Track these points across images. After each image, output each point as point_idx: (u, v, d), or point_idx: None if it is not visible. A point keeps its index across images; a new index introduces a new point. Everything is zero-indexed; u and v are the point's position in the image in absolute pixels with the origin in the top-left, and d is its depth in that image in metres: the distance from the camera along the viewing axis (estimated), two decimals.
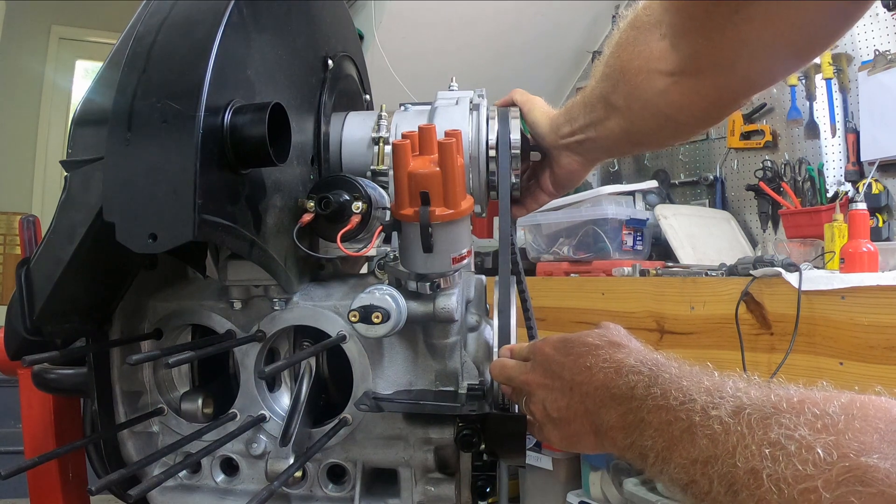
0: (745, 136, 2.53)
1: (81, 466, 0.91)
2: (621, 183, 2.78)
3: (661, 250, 2.28)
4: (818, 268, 1.78)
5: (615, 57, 0.79)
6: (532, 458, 2.06)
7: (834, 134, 2.30)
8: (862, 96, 2.21)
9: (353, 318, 0.67)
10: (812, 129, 2.36)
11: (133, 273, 0.75)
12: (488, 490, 0.76)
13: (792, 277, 1.47)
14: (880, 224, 2.11)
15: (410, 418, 0.74)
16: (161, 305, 0.78)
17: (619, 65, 0.78)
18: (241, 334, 0.75)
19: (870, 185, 2.12)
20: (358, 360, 0.74)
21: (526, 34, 2.86)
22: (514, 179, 0.84)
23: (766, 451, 0.41)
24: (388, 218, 0.73)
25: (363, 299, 0.67)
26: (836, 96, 2.29)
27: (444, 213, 0.62)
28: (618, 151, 0.91)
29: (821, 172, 2.30)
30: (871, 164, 2.17)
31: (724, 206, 2.61)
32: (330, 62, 0.84)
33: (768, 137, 2.46)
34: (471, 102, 0.85)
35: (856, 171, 2.21)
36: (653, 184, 2.52)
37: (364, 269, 0.87)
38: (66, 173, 0.64)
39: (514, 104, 0.92)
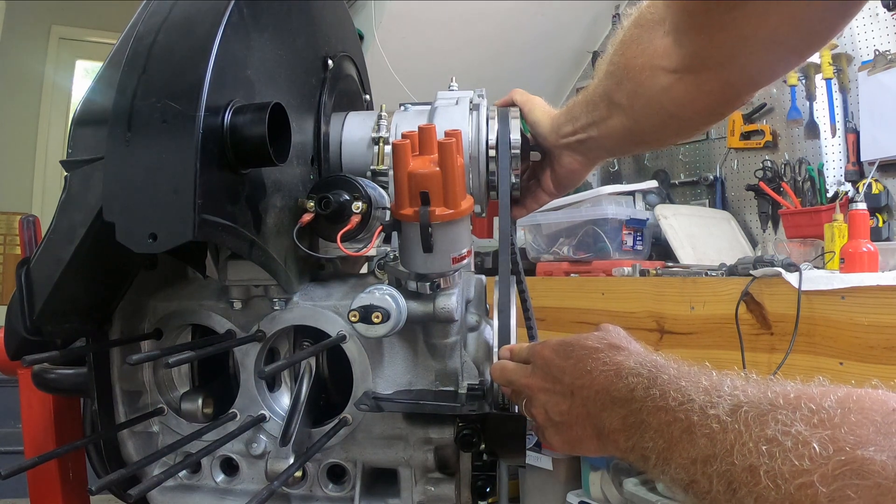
0: (745, 136, 2.53)
1: (81, 466, 0.91)
2: (621, 183, 2.78)
3: (661, 250, 2.28)
4: (818, 268, 1.78)
5: (619, 55, 0.79)
6: (532, 458, 2.06)
7: (834, 134, 2.30)
8: (862, 96, 2.21)
9: (353, 318, 0.67)
10: (812, 129, 2.36)
11: (133, 273, 0.75)
12: (488, 490, 0.76)
13: (792, 277, 1.47)
14: (880, 224, 2.11)
15: (410, 418, 0.74)
16: (161, 305, 0.78)
17: (623, 62, 0.78)
18: (241, 334, 0.75)
19: (870, 185, 2.12)
20: (358, 360, 0.74)
21: (526, 34, 2.86)
22: (514, 179, 0.84)
23: (763, 447, 0.42)
24: (388, 218, 0.73)
25: (363, 299, 0.67)
26: (836, 96, 2.29)
27: (444, 213, 0.62)
28: (620, 150, 0.91)
29: (821, 172, 2.31)
30: (871, 164, 2.17)
31: (724, 206, 2.61)
32: (330, 62, 0.84)
33: (768, 137, 2.46)
34: (471, 102, 0.85)
35: (856, 171, 2.21)
36: (653, 184, 2.52)
37: (364, 269, 0.87)
38: (66, 173, 0.64)
39: (513, 104, 0.92)
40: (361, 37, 2.37)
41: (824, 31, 0.62)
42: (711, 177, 2.64)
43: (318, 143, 0.81)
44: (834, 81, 2.28)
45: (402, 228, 0.67)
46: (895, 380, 0.45)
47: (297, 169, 0.75)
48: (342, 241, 0.69)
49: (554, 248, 2.29)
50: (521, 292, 0.91)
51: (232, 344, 0.73)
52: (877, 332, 1.33)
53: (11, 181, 3.71)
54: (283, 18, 0.72)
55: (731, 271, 1.67)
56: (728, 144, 2.59)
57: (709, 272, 1.75)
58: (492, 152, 0.82)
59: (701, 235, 2.29)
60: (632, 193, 2.39)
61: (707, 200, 2.67)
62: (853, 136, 2.22)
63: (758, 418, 0.43)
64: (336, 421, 0.74)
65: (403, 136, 0.64)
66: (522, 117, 0.91)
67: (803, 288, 1.44)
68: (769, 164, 2.44)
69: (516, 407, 0.70)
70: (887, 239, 2.10)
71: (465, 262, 0.70)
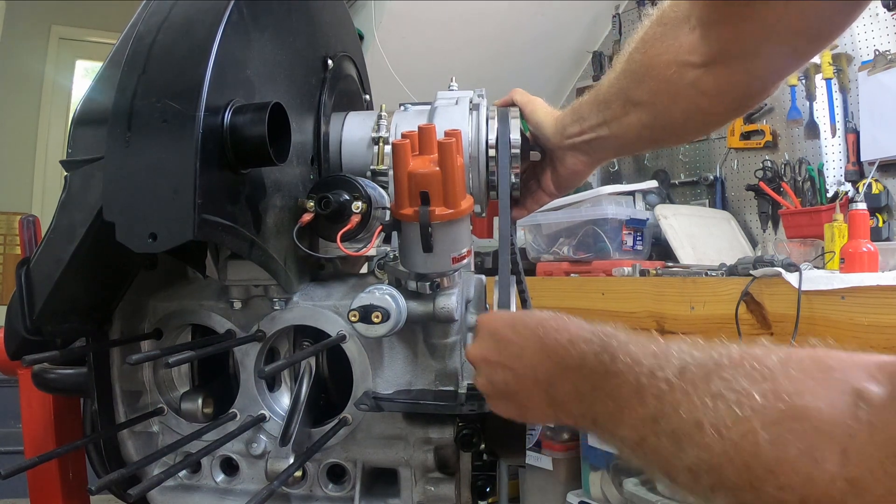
0: (745, 136, 2.53)
1: (81, 466, 0.91)
2: (621, 183, 2.77)
3: (661, 250, 2.28)
4: (818, 268, 1.78)
5: (640, 53, 0.80)
6: (532, 458, 2.06)
7: (834, 134, 2.30)
8: (862, 96, 2.21)
9: (352, 318, 0.67)
10: (812, 129, 2.36)
11: (133, 273, 0.75)
12: (488, 490, 0.76)
13: (792, 277, 1.47)
14: (880, 224, 2.11)
15: (410, 418, 0.74)
16: (161, 305, 0.78)
17: (645, 60, 0.79)
18: (241, 334, 0.75)
19: (870, 185, 2.12)
20: (358, 359, 0.74)
21: (526, 34, 2.86)
22: (514, 179, 0.84)
23: (709, 402, 0.43)
24: (387, 218, 0.73)
25: (363, 299, 0.67)
26: (836, 96, 2.28)
27: (444, 213, 0.62)
28: (631, 149, 0.92)
29: (821, 172, 2.30)
30: (871, 164, 2.17)
31: (724, 206, 2.61)
32: (330, 62, 0.84)
33: (768, 137, 2.46)
34: (471, 102, 0.85)
35: (856, 171, 2.21)
36: (653, 184, 2.52)
37: (364, 269, 0.87)
38: (66, 173, 0.64)
39: (513, 104, 0.92)
40: (361, 37, 2.37)
41: (842, 18, 0.65)
42: (711, 177, 2.64)
43: (318, 142, 0.81)
44: (834, 81, 2.28)
45: (402, 228, 0.67)
46: None
47: (297, 169, 0.75)
48: (342, 240, 0.69)
49: (554, 248, 2.29)
50: (521, 292, 0.91)
51: (232, 344, 0.73)
52: (877, 332, 1.33)
53: (11, 181, 3.71)
54: (283, 18, 0.72)
55: (731, 271, 1.66)
56: (728, 144, 2.59)
57: (709, 272, 1.75)
58: (492, 152, 0.82)
59: (701, 235, 2.29)
60: (632, 193, 2.39)
61: (707, 200, 2.67)
62: (853, 136, 2.22)
63: (704, 377, 0.45)
64: (336, 421, 0.74)
65: (403, 135, 0.64)
66: (522, 117, 0.91)
67: (803, 288, 1.44)
68: (769, 164, 2.44)
69: None
70: (887, 239, 2.09)
71: (465, 262, 0.70)
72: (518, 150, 0.83)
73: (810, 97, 2.35)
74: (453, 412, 0.70)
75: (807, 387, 0.40)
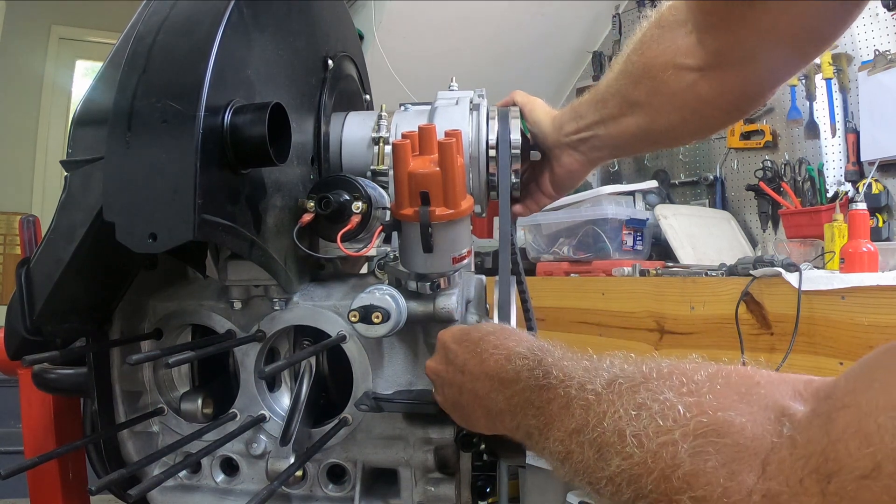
0: (745, 136, 2.53)
1: (81, 466, 0.91)
2: (621, 183, 2.77)
3: (661, 250, 2.28)
4: (818, 268, 1.78)
5: (638, 54, 0.81)
6: (532, 458, 2.05)
7: (834, 134, 2.30)
8: (862, 96, 2.21)
9: (353, 318, 0.67)
10: (812, 129, 2.36)
11: (133, 273, 0.75)
12: (488, 490, 0.76)
13: (792, 277, 1.47)
14: (880, 224, 2.11)
15: (410, 418, 0.74)
16: (161, 305, 0.78)
17: (643, 61, 0.80)
18: (241, 334, 0.75)
19: (870, 185, 2.12)
20: (358, 360, 0.74)
21: (526, 34, 2.86)
22: (514, 179, 0.84)
23: (632, 412, 0.43)
24: (388, 218, 0.73)
25: (363, 299, 0.67)
26: (836, 96, 2.29)
27: (444, 213, 0.62)
28: (626, 150, 0.92)
29: (821, 172, 2.30)
30: (871, 164, 2.17)
31: (724, 206, 2.61)
32: (330, 62, 0.84)
33: (768, 137, 2.46)
34: (471, 102, 0.85)
35: (856, 171, 2.21)
36: (653, 184, 2.52)
37: (364, 269, 0.87)
38: (66, 173, 0.64)
39: (514, 105, 0.92)
40: (361, 37, 2.37)
41: (838, 23, 0.65)
42: (711, 177, 2.64)
43: (318, 143, 0.81)
44: (834, 81, 2.28)
45: (402, 228, 0.67)
46: None
47: (297, 169, 0.75)
48: (342, 241, 0.69)
49: (554, 248, 2.29)
50: (522, 292, 0.91)
51: (232, 344, 0.73)
52: (877, 332, 1.33)
53: (11, 181, 3.71)
54: (283, 18, 0.72)
55: (731, 271, 1.67)
56: (728, 144, 2.59)
57: (709, 272, 1.75)
58: (492, 152, 0.82)
59: (701, 235, 2.29)
60: (632, 193, 2.39)
61: (707, 200, 2.67)
62: (853, 136, 2.22)
63: (630, 389, 0.45)
64: (336, 421, 0.74)
65: (403, 136, 0.64)
66: (522, 117, 0.91)
67: (803, 288, 1.44)
68: (769, 164, 2.44)
69: None
70: (887, 239, 2.09)
71: (465, 262, 0.70)
72: (518, 150, 0.84)
73: (810, 97, 2.35)
74: None
75: (731, 401, 0.40)
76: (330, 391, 0.80)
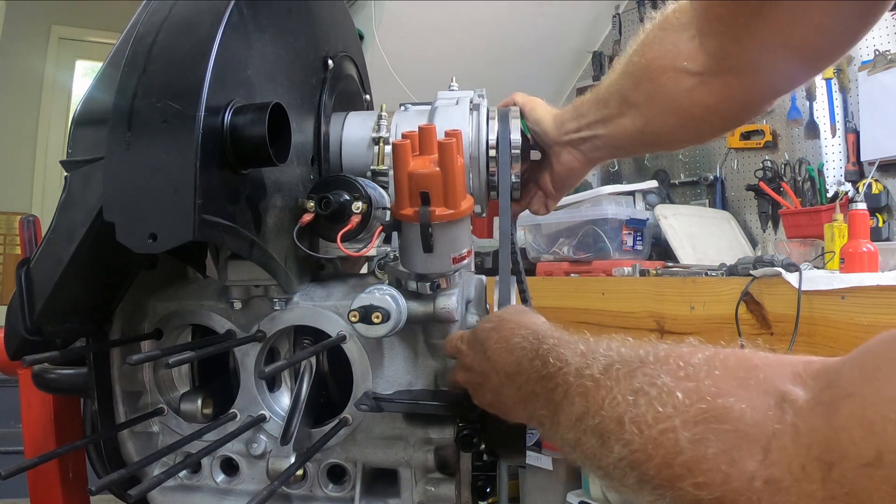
0: (745, 136, 2.53)
1: (81, 466, 0.91)
2: (621, 183, 2.77)
3: (661, 250, 2.28)
4: (818, 268, 1.78)
5: (639, 55, 0.80)
6: (532, 458, 2.06)
7: (834, 134, 2.30)
8: (862, 96, 2.21)
9: (353, 318, 0.67)
10: (812, 129, 2.36)
11: (133, 273, 0.75)
12: (488, 490, 0.76)
13: (792, 277, 1.47)
14: (880, 224, 2.11)
15: (410, 418, 0.74)
16: (161, 305, 0.78)
17: (644, 63, 0.80)
18: (241, 334, 0.75)
19: (870, 185, 2.12)
20: (358, 360, 0.74)
21: (526, 35, 2.86)
22: (514, 179, 0.84)
23: (630, 398, 0.43)
24: (388, 218, 0.73)
25: (363, 299, 0.67)
26: (836, 96, 2.29)
27: (444, 213, 0.62)
28: (625, 150, 0.92)
29: (821, 172, 2.30)
30: (871, 164, 2.17)
31: (724, 206, 2.61)
32: (330, 62, 0.84)
33: (768, 137, 2.46)
34: (471, 102, 0.85)
35: (856, 171, 2.21)
36: (653, 184, 2.52)
37: (364, 269, 0.87)
38: (66, 173, 0.64)
39: (514, 106, 0.92)
40: (361, 37, 2.37)
41: (846, 39, 0.64)
42: (711, 177, 2.64)
43: (318, 143, 0.81)
44: (834, 81, 2.28)
45: (402, 228, 0.67)
46: None
47: (297, 169, 0.75)
48: (342, 241, 0.69)
49: (554, 248, 2.29)
50: (522, 292, 0.91)
51: (232, 344, 0.73)
52: (877, 332, 1.33)
53: (11, 181, 3.71)
54: (283, 18, 0.72)
55: (731, 271, 1.67)
56: (728, 144, 2.59)
57: (709, 272, 1.75)
58: (492, 152, 0.82)
59: (701, 235, 2.29)
60: (632, 193, 2.39)
61: (707, 200, 2.67)
62: (853, 136, 2.22)
63: (627, 374, 0.45)
64: (336, 421, 0.74)
65: (403, 136, 0.64)
66: (523, 117, 0.91)
67: (803, 288, 1.44)
68: (769, 164, 2.44)
69: None
70: (887, 239, 2.09)
71: (465, 262, 0.70)
72: (518, 150, 0.84)
73: (810, 97, 2.35)
74: (453, 412, 0.70)
75: (730, 387, 0.40)
76: (330, 391, 0.80)
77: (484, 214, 0.89)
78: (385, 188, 0.78)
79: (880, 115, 2.14)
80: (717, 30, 0.69)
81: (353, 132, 0.85)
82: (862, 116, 2.20)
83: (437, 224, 0.63)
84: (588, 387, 0.47)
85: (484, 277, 0.85)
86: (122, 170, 0.54)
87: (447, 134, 0.63)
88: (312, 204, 0.70)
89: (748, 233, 2.53)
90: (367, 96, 1.03)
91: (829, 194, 2.26)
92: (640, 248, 2.23)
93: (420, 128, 0.64)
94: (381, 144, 0.83)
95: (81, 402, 0.89)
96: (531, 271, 2.29)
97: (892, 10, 2.11)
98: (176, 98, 0.54)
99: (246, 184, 0.62)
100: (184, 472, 0.78)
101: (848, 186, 2.20)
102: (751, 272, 1.56)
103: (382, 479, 0.78)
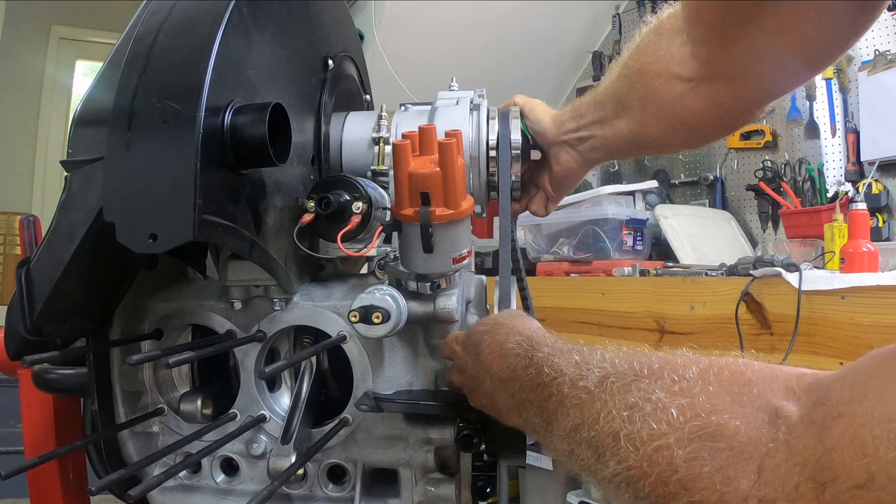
0: (745, 136, 2.53)
1: (81, 466, 0.91)
2: (621, 183, 2.77)
3: (661, 250, 2.28)
4: (818, 268, 1.78)
5: (634, 59, 0.81)
6: (532, 458, 2.06)
7: (834, 134, 2.30)
8: (862, 96, 2.21)
9: (353, 319, 0.67)
10: (812, 129, 2.36)
11: (133, 273, 0.75)
12: (488, 490, 0.76)
13: (792, 277, 1.47)
14: (880, 224, 2.11)
15: (410, 418, 0.74)
16: (161, 305, 0.78)
17: (638, 67, 0.80)
18: (241, 334, 0.75)
19: (870, 185, 2.12)
20: (358, 360, 0.74)
21: (526, 35, 2.86)
22: (514, 179, 0.84)
23: (625, 413, 0.43)
24: (388, 218, 0.73)
25: (363, 299, 0.67)
26: (836, 96, 2.29)
27: (445, 214, 0.62)
28: (620, 153, 0.92)
29: (821, 172, 2.30)
30: (871, 164, 2.17)
31: (724, 206, 2.61)
32: (330, 62, 0.84)
33: (768, 137, 2.46)
34: (471, 102, 0.85)
35: (856, 171, 2.21)
36: (653, 184, 2.52)
37: (364, 270, 0.87)
38: (66, 173, 0.64)
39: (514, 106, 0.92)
40: (361, 37, 2.37)
41: (837, 46, 0.64)
42: (711, 177, 2.64)
43: (318, 143, 0.81)
44: (834, 81, 2.28)
45: (402, 228, 0.67)
46: None
47: (298, 169, 0.75)
48: (342, 241, 0.69)
49: (554, 248, 2.29)
50: (522, 290, 0.91)
51: (232, 344, 0.73)
52: (877, 332, 1.33)
53: (11, 181, 3.71)
54: (283, 18, 0.72)
55: (731, 271, 1.67)
56: (728, 144, 2.59)
57: (709, 272, 1.75)
58: (492, 152, 0.82)
59: (701, 235, 2.29)
60: (632, 193, 2.39)
61: (707, 200, 2.67)
62: (853, 136, 2.22)
63: (622, 387, 0.45)
64: (336, 421, 0.74)
65: (404, 136, 0.64)
66: (523, 117, 0.91)
67: (803, 288, 1.44)
68: (769, 164, 2.44)
69: None
70: (887, 239, 2.09)
71: (465, 262, 0.70)
72: (518, 150, 0.84)
73: (810, 97, 2.35)
74: (453, 412, 0.70)
75: (724, 403, 0.40)
76: (330, 390, 0.80)
77: (484, 214, 0.89)
78: (385, 188, 0.78)
79: (880, 115, 2.14)
80: (707, 37, 0.69)
81: (354, 132, 0.85)
82: (862, 116, 2.20)
83: (437, 224, 0.63)
84: (583, 399, 0.47)
85: (484, 277, 0.85)
86: (122, 170, 0.54)
87: (447, 134, 0.63)
88: (312, 204, 0.70)
89: (748, 233, 2.53)
90: (368, 96, 1.03)
91: (829, 194, 2.26)
92: (640, 248, 2.23)
93: (420, 128, 0.64)
94: (382, 144, 0.83)
95: (81, 402, 0.89)
96: (531, 271, 2.29)
97: (892, 10, 2.11)
98: (176, 98, 0.54)
99: (246, 184, 0.62)
100: (184, 472, 0.78)
101: (848, 186, 2.20)
102: (751, 272, 1.56)
103: (382, 479, 0.78)
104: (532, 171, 0.96)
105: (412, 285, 0.70)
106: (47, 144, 3.81)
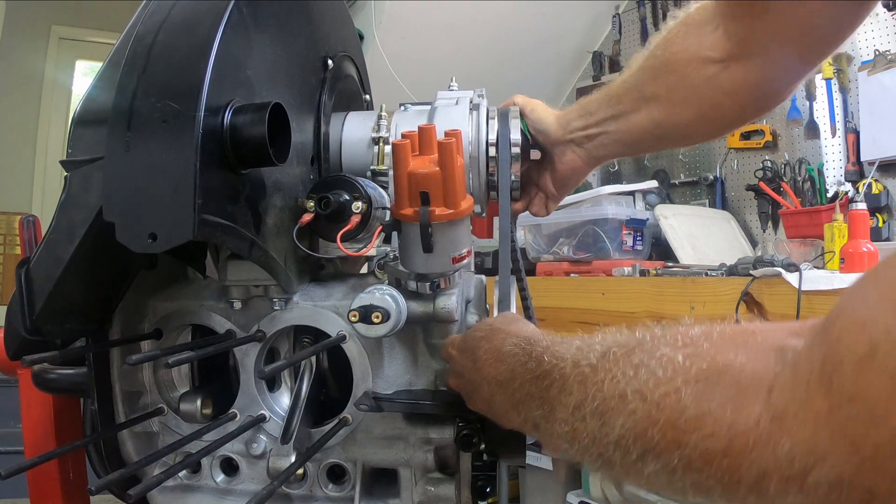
0: (745, 136, 2.53)
1: (81, 466, 0.91)
2: (621, 183, 2.77)
3: (661, 250, 2.28)
4: (818, 268, 1.78)
5: (662, 49, 0.83)
6: (532, 458, 2.06)
7: (834, 134, 2.30)
8: (862, 96, 2.21)
9: (352, 318, 0.67)
10: (812, 129, 2.36)
11: (133, 273, 0.75)
12: (488, 490, 0.76)
13: (792, 277, 1.47)
14: (880, 224, 2.11)
15: (410, 418, 0.74)
16: (161, 305, 0.78)
17: (666, 56, 0.82)
18: (241, 334, 0.75)
19: (870, 185, 2.12)
20: (358, 360, 0.74)
21: (526, 35, 2.86)
22: (514, 179, 0.84)
23: (630, 372, 0.43)
24: (387, 218, 0.73)
25: (363, 299, 0.67)
26: (836, 96, 2.29)
27: (444, 213, 0.62)
28: (632, 148, 0.93)
29: (821, 172, 2.30)
30: (871, 164, 2.17)
31: (724, 206, 2.61)
32: (330, 62, 0.84)
33: (768, 137, 2.46)
34: (471, 102, 0.85)
35: (856, 171, 2.21)
36: (653, 184, 2.52)
37: (364, 269, 0.87)
38: (66, 173, 0.64)
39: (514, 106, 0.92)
40: (361, 37, 2.37)
41: (850, 18, 0.69)
42: (711, 177, 2.64)
43: (318, 143, 0.81)
44: (834, 81, 2.28)
45: (402, 228, 0.67)
46: None
47: (297, 169, 0.75)
48: (342, 241, 0.69)
49: (554, 248, 2.29)
50: (522, 290, 0.91)
51: (232, 344, 0.73)
52: None
53: (11, 181, 3.71)
54: (283, 18, 0.72)
55: (731, 271, 1.67)
56: (728, 144, 2.59)
57: (709, 272, 1.75)
58: (492, 152, 0.82)
59: (701, 235, 2.29)
60: (632, 193, 2.39)
61: (707, 200, 2.67)
62: (853, 136, 2.22)
63: (626, 354, 0.45)
64: (336, 421, 0.74)
65: (403, 135, 0.64)
66: (523, 117, 0.91)
67: (803, 288, 1.44)
68: (769, 164, 2.44)
69: None
70: (887, 239, 2.09)
71: (465, 262, 0.70)
72: (518, 150, 0.84)
73: (810, 97, 2.35)
74: (453, 413, 0.70)
75: (729, 348, 0.40)
76: (330, 390, 0.80)
77: (484, 214, 0.89)
78: (385, 188, 0.78)
79: (880, 115, 2.14)
80: (739, 11, 0.73)
81: (353, 132, 0.85)
82: (862, 116, 2.20)
83: (436, 224, 0.63)
84: (586, 373, 0.47)
85: (484, 277, 0.85)
86: (121, 170, 0.54)
87: (447, 134, 0.63)
88: (312, 204, 0.70)
89: (748, 233, 2.53)
90: (367, 96, 1.03)
91: (829, 194, 2.26)
92: (640, 248, 2.23)
93: (420, 128, 0.64)
94: (381, 144, 0.83)
95: (81, 402, 0.89)
96: (531, 271, 2.29)
97: (892, 10, 2.11)
98: (176, 98, 0.54)
99: (246, 184, 0.62)
100: (183, 472, 0.78)
101: (848, 186, 2.20)
102: (751, 272, 1.56)
103: (382, 479, 0.78)
104: (532, 171, 0.96)
105: (412, 285, 0.70)
106: (47, 144, 3.81)
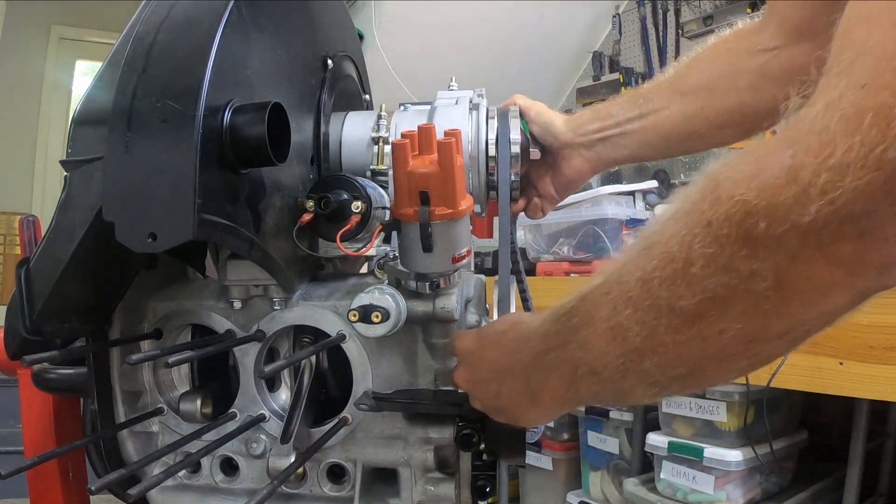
0: None
1: (81, 466, 0.91)
2: (621, 183, 2.77)
3: None
4: None
5: (708, 50, 0.86)
6: (532, 458, 2.06)
7: None
8: None
9: (352, 318, 0.67)
10: None
11: (133, 273, 0.75)
12: (488, 490, 0.76)
13: None
14: None
15: (410, 418, 0.74)
16: (161, 305, 0.78)
17: (713, 50, 0.86)
18: (240, 334, 0.75)
19: None
20: (358, 359, 0.74)
21: (526, 35, 2.87)
22: (514, 179, 0.84)
23: (643, 251, 0.46)
24: (387, 217, 0.73)
25: (363, 299, 0.67)
26: None
27: (444, 213, 0.62)
28: (651, 147, 0.92)
29: None
30: None
31: None
32: (330, 62, 0.84)
33: (768, 136, 2.45)
34: (470, 102, 0.85)
35: None
36: (653, 184, 2.51)
37: (364, 269, 0.87)
38: (66, 173, 0.64)
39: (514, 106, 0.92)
40: (361, 37, 2.37)
41: None
42: None
43: (317, 142, 0.81)
44: None
45: (401, 228, 0.67)
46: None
47: (297, 169, 0.75)
48: (342, 240, 0.69)
49: (554, 248, 2.29)
50: (522, 291, 0.91)
51: (232, 344, 0.73)
52: (877, 332, 1.33)
53: (11, 181, 3.71)
54: (282, 18, 0.72)
55: None
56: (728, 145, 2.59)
57: None
58: (492, 151, 0.82)
59: None
60: (632, 193, 2.38)
61: None
62: None
63: (636, 246, 0.47)
64: (336, 420, 0.74)
65: (403, 135, 0.64)
66: (522, 117, 0.91)
67: None
68: None
69: None
70: None
71: (464, 261, 0.70)
72: (518, 150, 0.84)
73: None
74: (453, 412, 0.70)
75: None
76: (330, 390, 0.80)
77: (484, 214, 0.89)
78: (385, 188, 0.78)
79: None
80: None
81: (353, 132, 0.85)
82: None
83: (436, 223, 0.63)
84: (610, 282, 0.49)
85: (484, 277, 0.85)
86: (121, 169, 0.54)
87: (447, 133, 0.63)
88: (312, 203, 0.70)
89: None
90: (367, 96, 1.03)
91: None
92: None
93: (420, 127, 0.64)
94: (381, 144, 0.83)
95: (81, 402, 0.89)
96: (531, 271, 2.29)
97: None
98: (175, 98, 0.54)
99: (245, 183, 0.62)
100: (183, 471, 0.78)
101: None
102: None
103: (382, 478, 0.78)
104: (533, 173, 0.95)
105: (412, 284, 0.70)
106: (47, 144, 3.82)
